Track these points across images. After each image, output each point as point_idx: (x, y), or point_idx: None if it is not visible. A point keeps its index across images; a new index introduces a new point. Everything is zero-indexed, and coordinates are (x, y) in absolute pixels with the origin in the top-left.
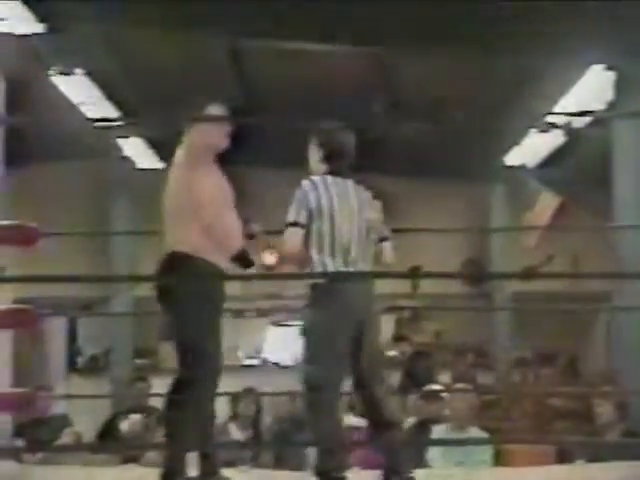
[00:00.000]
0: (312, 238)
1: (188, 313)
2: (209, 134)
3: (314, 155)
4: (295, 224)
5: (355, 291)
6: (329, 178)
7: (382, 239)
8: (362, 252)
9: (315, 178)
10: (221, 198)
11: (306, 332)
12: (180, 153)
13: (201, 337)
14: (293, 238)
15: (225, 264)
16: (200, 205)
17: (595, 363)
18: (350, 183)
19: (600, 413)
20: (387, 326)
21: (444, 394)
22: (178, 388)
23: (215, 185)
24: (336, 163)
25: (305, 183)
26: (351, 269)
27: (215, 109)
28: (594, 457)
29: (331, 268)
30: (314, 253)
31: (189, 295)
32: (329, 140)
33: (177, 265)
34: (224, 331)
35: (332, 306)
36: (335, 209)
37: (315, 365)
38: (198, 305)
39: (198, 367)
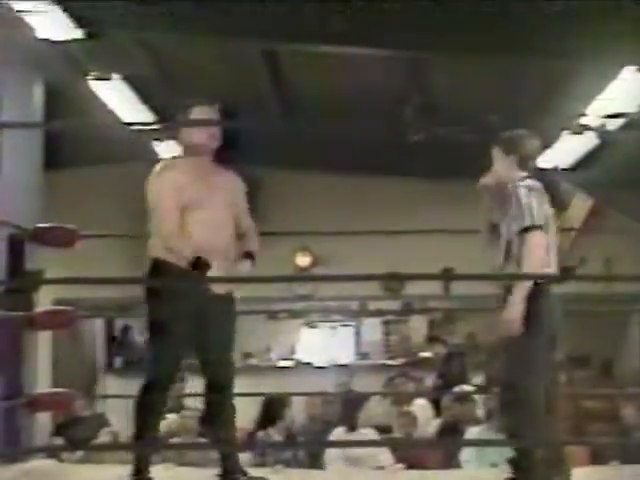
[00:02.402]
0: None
1: (151, 315)
2: (191, 136)
3: (502, 162)
4: (539, 227)
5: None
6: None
7: None
8: None
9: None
10: (171, 202)
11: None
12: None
13: (153, 339)
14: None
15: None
16: (150, 210)
17: (630, 365)
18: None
19: (625, 415)
20: (420, 327)
21: (477, 395)
22: (143, 390)
23: (170, 188)
24: (528, 168)
25: (533, 185)
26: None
27: (200, 110)
28: (628, 459)
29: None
30: None
31: (151, 297)
32: (524, 145)
33: (151, 269)
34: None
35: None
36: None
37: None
38: (158, 307)
39: (149, 369)
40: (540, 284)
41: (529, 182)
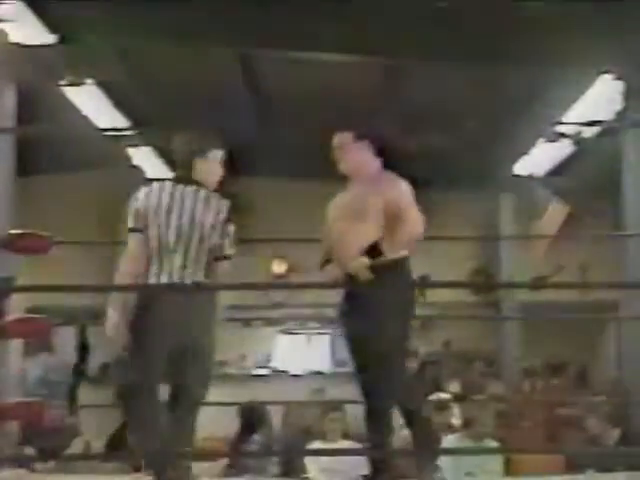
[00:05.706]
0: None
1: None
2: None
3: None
4: (134, 230)
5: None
6: (168, 184)
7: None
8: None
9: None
10: (330, 214)
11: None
12: None
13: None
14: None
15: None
16: None
17: (604, 372)
18: (191, 189)
19: (588, 425)
20: None
21: (452, 403)
22: None
23: (334, 202)
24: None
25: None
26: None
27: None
28: (603, 467)
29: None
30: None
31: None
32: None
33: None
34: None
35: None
36: (163, 215)
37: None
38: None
39: None
40: (144, 298)
41: (149, 187)
